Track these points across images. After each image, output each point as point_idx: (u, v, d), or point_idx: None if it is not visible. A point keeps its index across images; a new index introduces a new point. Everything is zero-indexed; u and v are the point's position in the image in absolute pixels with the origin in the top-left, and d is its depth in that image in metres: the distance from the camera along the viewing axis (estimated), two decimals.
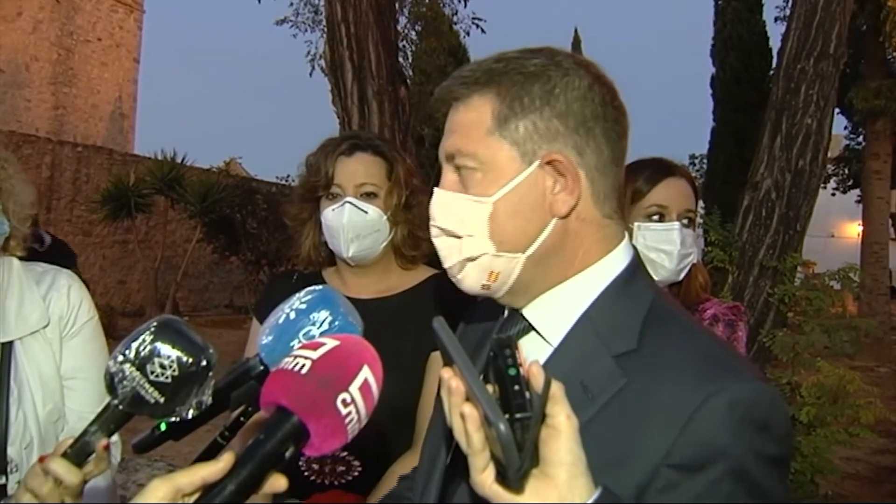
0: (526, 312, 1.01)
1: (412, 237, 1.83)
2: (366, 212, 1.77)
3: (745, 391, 0.85)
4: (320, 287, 1.14)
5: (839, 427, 4.07)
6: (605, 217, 0.99)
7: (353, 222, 1.76)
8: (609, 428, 0.87)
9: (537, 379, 0.75)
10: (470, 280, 1.00)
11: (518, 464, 0.72)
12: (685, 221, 1.81)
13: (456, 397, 0.77)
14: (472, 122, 0.98)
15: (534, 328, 1.00)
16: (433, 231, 1.03)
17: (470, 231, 0.97)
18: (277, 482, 0.84)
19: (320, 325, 1.07)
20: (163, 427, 1.03)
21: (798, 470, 3.82)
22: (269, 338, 1.08)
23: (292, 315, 1.08)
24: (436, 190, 1.03)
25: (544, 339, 0.99)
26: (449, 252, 1.01)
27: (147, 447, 1.05)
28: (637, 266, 1.01)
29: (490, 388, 0.76)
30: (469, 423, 0.75)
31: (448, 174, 1.01)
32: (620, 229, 1.02)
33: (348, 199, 1.77)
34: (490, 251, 0.97)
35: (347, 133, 1.88)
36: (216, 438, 0.91)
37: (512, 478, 0.73)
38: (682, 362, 0.88)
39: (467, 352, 0.79)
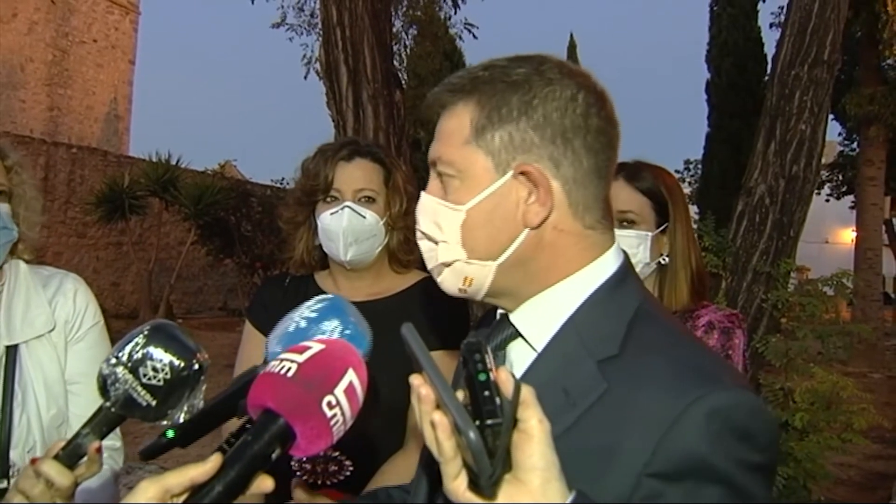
0: (513, 318, 1.01)
1: (408, 242, 1.85)
2: (364, 216, 1.79)
3: (724, 399, 0.84)
4: (330, 296, 1.13)
5: (832, 433, 4.07)
6: (586, 228, 0.98)
7: (352, 226, 1.78)
8: (589, 434, 0.86)
9: (506, 384, 0.74)
10: (447, 284, 1.02)
11: (490, 471, 0.71)
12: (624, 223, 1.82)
13: (426, 405, 0.77)
14: (453, 130, 0.98)
15: (520, 334, 1.00)
16: (418, 234, 1.05)
17: (445, 237, 0.99)
18: (264, 483, 0.85)
19: (330, 334, 1.06)
20: (170, 434, 1.03)
21: (791, 475, 3.82)
22: (280, 347, 1.06)
23: (302, 324, 1.07)
24: (422, 194, 1.04)
25: (530, 345, 0.99)
26: (429, 255, 1.03)
27: (153, 454, 1.04)
28: (626, 272, 1.01)
29: (461, 393, 0.76)
30: (439, 432, 0.74)
31: (432, 180, 1.03)
32: (607, 238, 1.01)
33: (347, 203, 1.79)
34: (462, 258, 0.98)
35: (345, 139, 1.91)
36: (222, 445, 0.91)
37: (484, 485, 0.72)
38: (664, 369, 0.87)
39: None
